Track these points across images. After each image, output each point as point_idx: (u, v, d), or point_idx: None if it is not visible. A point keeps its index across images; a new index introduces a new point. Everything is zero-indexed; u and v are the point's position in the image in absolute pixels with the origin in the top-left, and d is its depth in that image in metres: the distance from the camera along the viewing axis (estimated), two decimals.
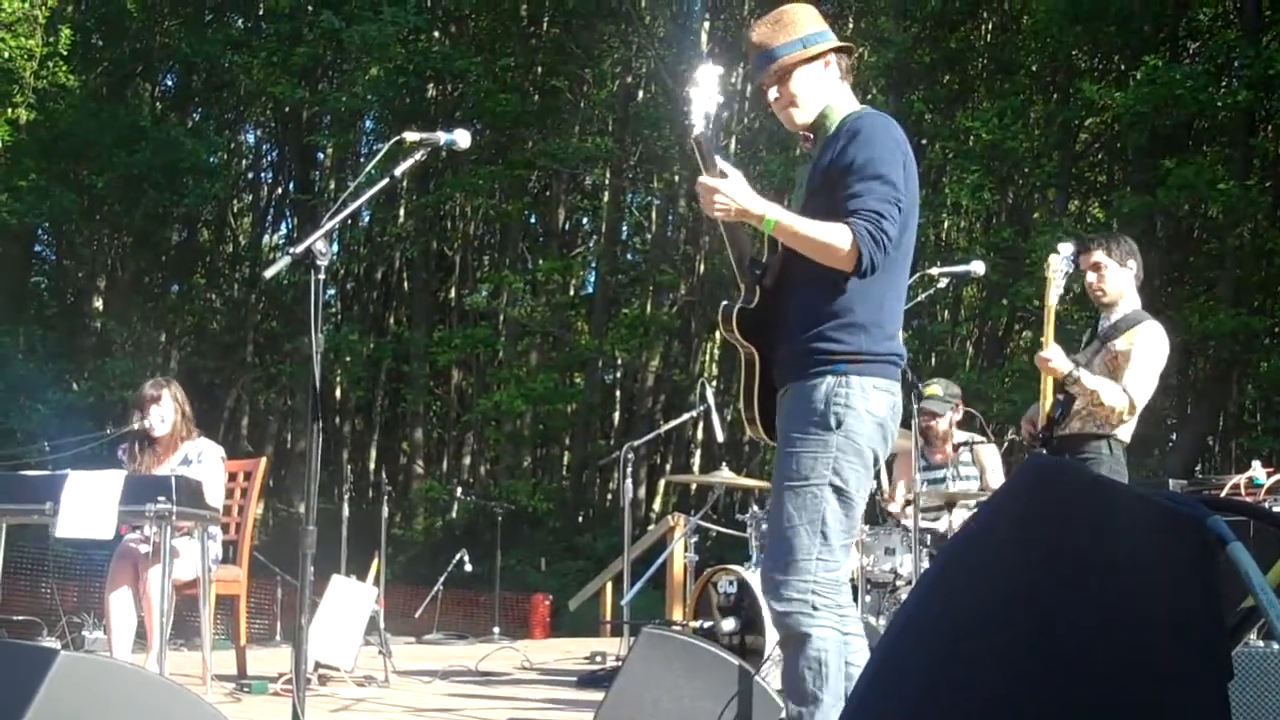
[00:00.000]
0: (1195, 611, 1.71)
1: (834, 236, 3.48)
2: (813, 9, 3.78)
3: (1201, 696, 1.69)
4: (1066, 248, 5.54)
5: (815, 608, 3.47)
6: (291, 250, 3.72)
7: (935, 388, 7.55)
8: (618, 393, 27.03)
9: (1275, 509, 5.51)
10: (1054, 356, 5.29)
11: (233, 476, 6.94)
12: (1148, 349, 5.43)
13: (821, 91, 3.72)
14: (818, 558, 3.49)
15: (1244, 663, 4.21)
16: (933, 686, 1.87)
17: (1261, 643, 4.35)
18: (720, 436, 9.72)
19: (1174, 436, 18.33)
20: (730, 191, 3.56)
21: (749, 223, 3.63)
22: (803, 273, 3.58)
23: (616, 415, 26.95)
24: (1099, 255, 5.58)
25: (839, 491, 3.52)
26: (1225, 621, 1.78)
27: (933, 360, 19.36)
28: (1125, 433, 5.45)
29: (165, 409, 6.48)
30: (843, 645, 3.50)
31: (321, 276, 3.69)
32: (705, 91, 3.65)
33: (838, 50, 3.75)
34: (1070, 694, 1.73)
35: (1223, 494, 5.83)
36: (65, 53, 22.85)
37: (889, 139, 3.60)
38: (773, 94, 3.75)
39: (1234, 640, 1.91)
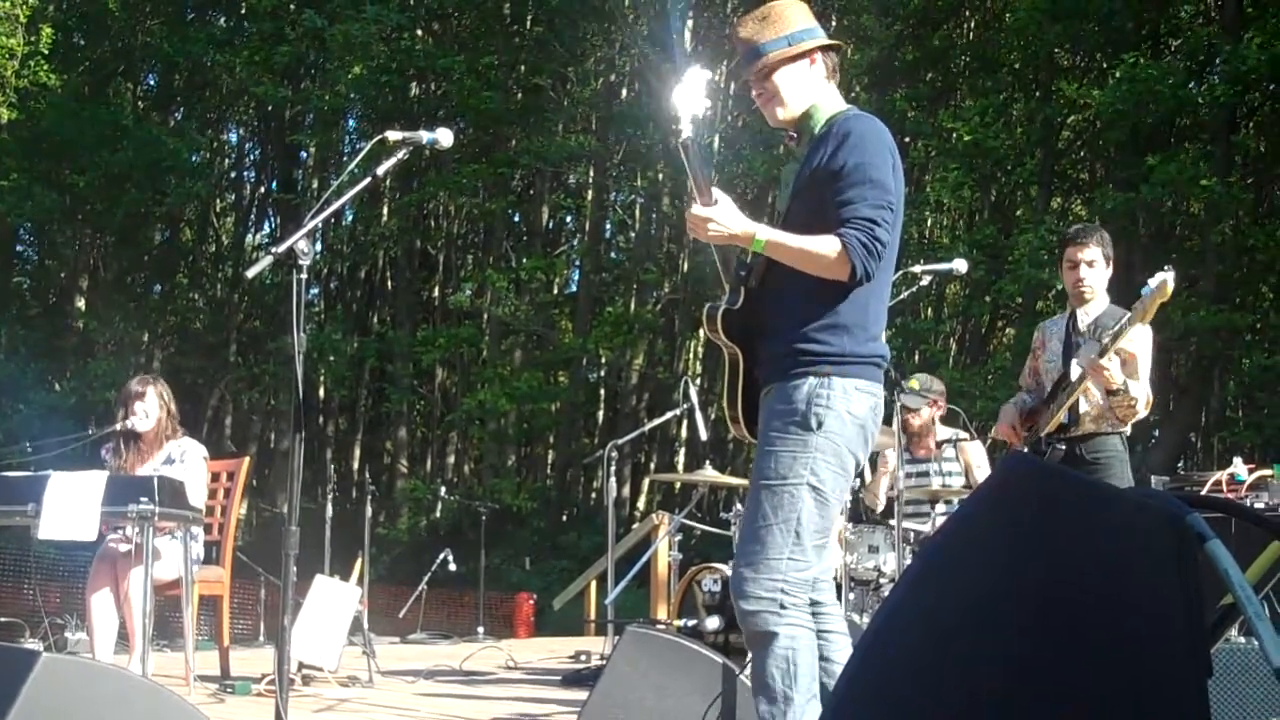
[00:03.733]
0: (1175, 608, 1.72)
1: (825, 249, 3.48)
2: (802, 4, 3.76)
3: (1181, 693, 1.69)
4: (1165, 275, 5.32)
5: (783, 606, 3.46)
6: (274, 249, 3.70)
7: (914, 382, 7.55)
8: (602, 391, 27.03)
9: (1256, 506, 5.54)
10: (1112, 366, 5.26)
11: (215, 476, 6.93)
12: (1149, 342, 5.48)
13: (806, 90, 3.71)
14: (789, 557, 3.48)
15: (1224, 659, 4.23)
16: (915, 682, 1.88)
17: (1243, 639, 4.37)
18: (704, 435, 9.73)
19: (1156, 433, 18.38)
20: (721, 219, 3.56)
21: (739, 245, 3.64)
22: (787, 274, 3.57)
23: (600, 414, 26.95)
24: (1096, 251, 5.56)
25: (816, 491, 3.51)
26: (1205, 618, 1.78)
27: (916, 358, 19.41)
28: (1128, 427, 5.55)
29: (150, 405, 6.47)
30: (813, 643, 3.50)
31: (304, 276, 3.68)
32: (692, 95, 3.65)
33: (825, 48, 3.73)
34: (1051, 690, 1.74)
35: (1204, 490, 5.85)
36: (46, 52, 22.83)
37: (878, 142, 3.59)
38: (756, 90, 3.75)
39: (1214, 637, 1.92)
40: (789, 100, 3.71)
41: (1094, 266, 5.55)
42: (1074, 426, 5.47)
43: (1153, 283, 5.01)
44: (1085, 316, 5.56)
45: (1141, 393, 5.36)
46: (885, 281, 3.68)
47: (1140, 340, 5.44)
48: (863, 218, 3.48)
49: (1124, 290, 5.64)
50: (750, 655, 3.58)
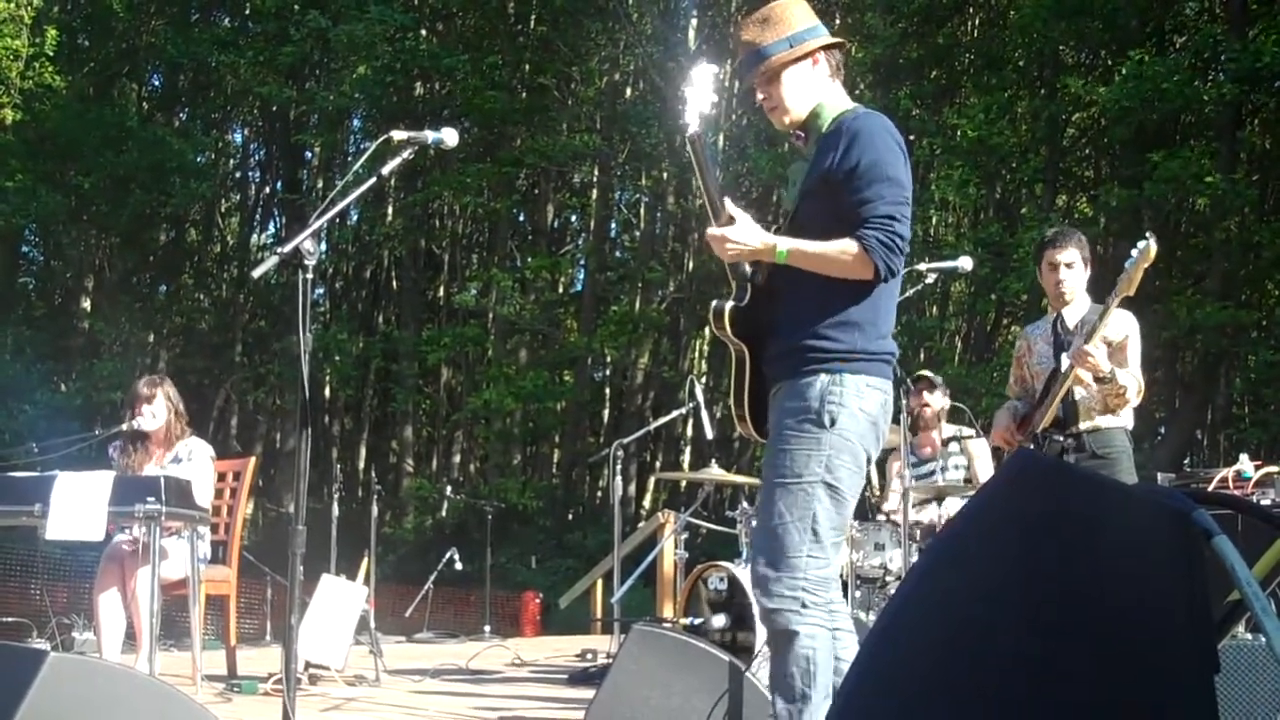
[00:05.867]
0: (1182, 605, 1.71)
1: (847, 252, 3.48)
2: (803, 3, 3.74)
3: (1188, 689, 1.69)
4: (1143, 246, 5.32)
5: (805, 605, 3.47)
6: (279, 250, 3.69)
7: (924, 371, 7.64)
8: (607, 390, 27.03)
9: (1263, 502, 5.53)
10: (1097, 354, 5.24)
11: (222, 476, 6.93)
12: (1137, 333, 5.48)
13: (810, 90, 3.70)
14: (808, 555, 3.49)
15: (1231, 656, 4.22)
16: (923, 676, 1.88)
17: (1249, 636, 4.37)
18: (710, 433, 9.73)
19: (1162, 430, 18.37)
20: (739, 236, 3.57)
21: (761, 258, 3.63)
22: (795, 271, 3.57)
23: (606, 413, 26.96)
24: (1074, 253, 5.56)
25: (831, 489, 3.51)
26: (1212, 615, 1.78)
27: (921, 355, 19.42)
28: (1131, 421, 5.53)
29: (158, 406, 6.49)
30: (831, 642, 3.50)
31: (309, 276, 3.67)
32: (700, 91, 3.64)
33: (827, 47, 3.72)
34: (1058, 686, 1.74)
35: (1210, 487, 5.84)
36: (51, 53, 22.86)
37: (889, 138, 3.58)
38: (762, 95, 3.74)
39: (1221, 633, 1.92)
40: (793, 104, 3.70)
41: (1073, 268, 5.56)
42: (1076, 420, 5.45)
43: (1135, 251, 5.01)
44: (1071, 316, 5.57)
45: (1131, 380, 5.36)
46: (895, 279, 3.68)
47: (1132, 325, 5.45)
48: (881, 215, 3.48)
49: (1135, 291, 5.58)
50: (763, 652, 3.58)
